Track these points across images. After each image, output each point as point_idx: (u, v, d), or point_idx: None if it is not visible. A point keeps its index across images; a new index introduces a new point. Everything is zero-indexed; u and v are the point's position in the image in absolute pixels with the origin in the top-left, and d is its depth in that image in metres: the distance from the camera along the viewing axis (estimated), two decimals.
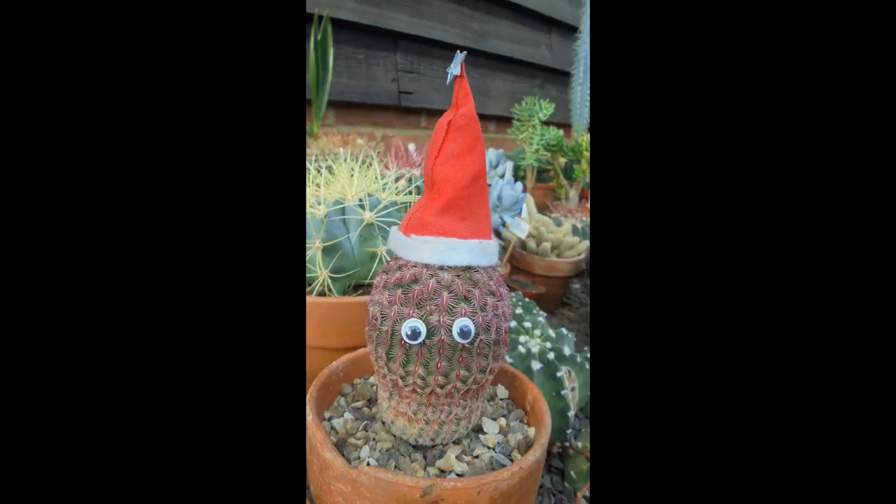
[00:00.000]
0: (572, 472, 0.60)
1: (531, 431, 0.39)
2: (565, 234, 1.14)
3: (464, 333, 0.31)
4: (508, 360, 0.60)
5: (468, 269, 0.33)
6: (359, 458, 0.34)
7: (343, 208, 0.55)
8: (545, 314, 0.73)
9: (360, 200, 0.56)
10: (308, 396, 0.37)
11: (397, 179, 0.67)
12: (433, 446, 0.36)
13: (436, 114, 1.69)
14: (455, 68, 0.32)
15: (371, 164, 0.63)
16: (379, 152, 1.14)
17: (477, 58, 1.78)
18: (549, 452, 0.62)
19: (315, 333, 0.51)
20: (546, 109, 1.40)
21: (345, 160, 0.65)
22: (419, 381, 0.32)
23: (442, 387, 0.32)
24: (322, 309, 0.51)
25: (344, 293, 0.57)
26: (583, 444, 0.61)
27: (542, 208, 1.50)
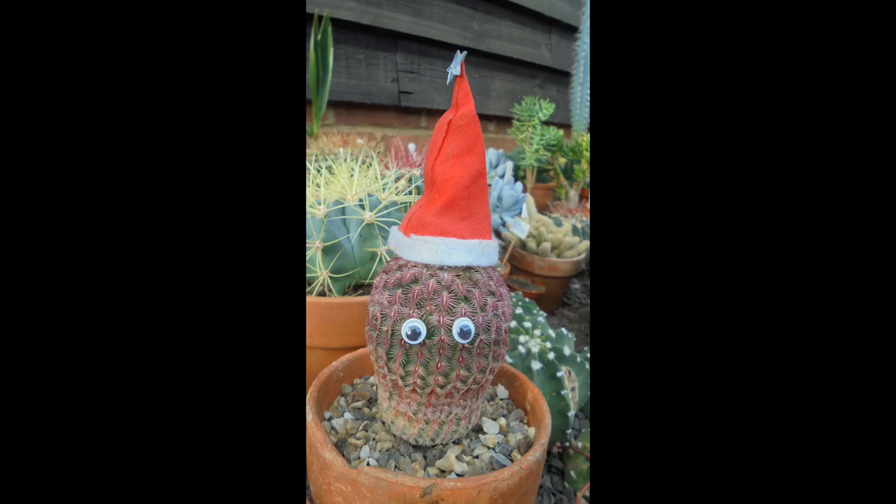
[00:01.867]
0: (572, 472, 0.60)
1: (531, 431, 0.39)
2: (565, 234, 1.14)
3: (464, 333, 0.31)
4: (508, 360, 0.60)
5: (468, 269, 0.33)
6: (359, 458, 0.34)
7: (343, 208, 0.55)
8: (545, 314, 0.74)
9: (360, 200, 0.56)
10: (308, 396, 0.37)
11: (397, 179, 0.67)
12: (433, 446, 0.36)
13: (436, 114, 1.69)
14: (455, 68, 0.32)
15: (371, 164, 0.63)
16: (379, 152, 1.14)
17: (477, 58, 1.78)
18: (549, 452, 0.62)
19: (315, 333, 0.51)
20: (546, 109, 1.40)
21: (345, 160, 0.65)
22: (419, 381, 0.32)
23: (442, 387, 0.32)
24: (322, 309, 0.51)
25: (344, 293, 0.57)
26: (583, 444, 0.61)
27: (542, 208, 1.50)
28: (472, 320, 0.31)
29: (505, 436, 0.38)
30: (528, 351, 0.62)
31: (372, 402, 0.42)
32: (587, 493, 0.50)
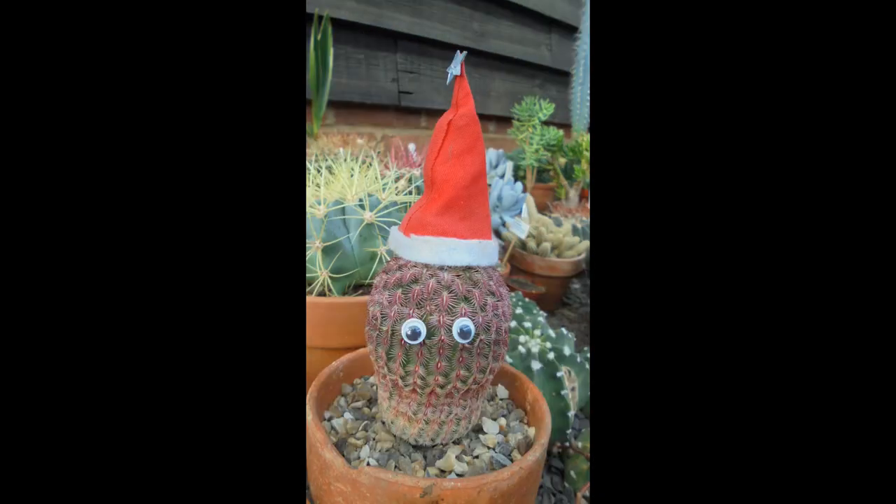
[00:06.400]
0: (572, 472, 0.60)
1: (531, 431, 0.39)
2: (565, 234, 1.14)
3: (464, 333, 0.31)
4: (508, 360, 0.60)
5: (468, 269, 0.33)
6: (359, 457, 0.34)
7: (343, 208, 0.55)
8: (545, 314, 0.74)
9: (360, 200, 0.56)
10: (308, 396, 0.37)
11: (397, 179, 0.67)
12: (433, 446, 0.36)
13: (436, 114, 1.69)
14: (455, 68, 0.32)
15: (371, 164, 0.63)
16: (379, 152, 1.14)
17: (477, 58, 1.78)
18: (549, 452, 0.62)
19: (315, 333, 0.51)
20: (546, 109, 1.40)
21: (345, 160, 0.65)
22: (419, 381, 0.32)
23: (442, 387, 0.32)
24: (322, 309, 0.51)
25: (344, 293, 0.57)
26: (583, 444, 0.61)
27: (542, 208, 1.50)
28: (472, 320, 0.31)
29: (505, 436, 0.38)
30: (528, 351, 0.62)
31: (372, 401, 0.42)
32: (587, 493, 0.50)
